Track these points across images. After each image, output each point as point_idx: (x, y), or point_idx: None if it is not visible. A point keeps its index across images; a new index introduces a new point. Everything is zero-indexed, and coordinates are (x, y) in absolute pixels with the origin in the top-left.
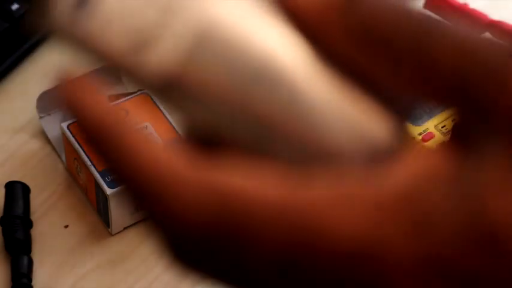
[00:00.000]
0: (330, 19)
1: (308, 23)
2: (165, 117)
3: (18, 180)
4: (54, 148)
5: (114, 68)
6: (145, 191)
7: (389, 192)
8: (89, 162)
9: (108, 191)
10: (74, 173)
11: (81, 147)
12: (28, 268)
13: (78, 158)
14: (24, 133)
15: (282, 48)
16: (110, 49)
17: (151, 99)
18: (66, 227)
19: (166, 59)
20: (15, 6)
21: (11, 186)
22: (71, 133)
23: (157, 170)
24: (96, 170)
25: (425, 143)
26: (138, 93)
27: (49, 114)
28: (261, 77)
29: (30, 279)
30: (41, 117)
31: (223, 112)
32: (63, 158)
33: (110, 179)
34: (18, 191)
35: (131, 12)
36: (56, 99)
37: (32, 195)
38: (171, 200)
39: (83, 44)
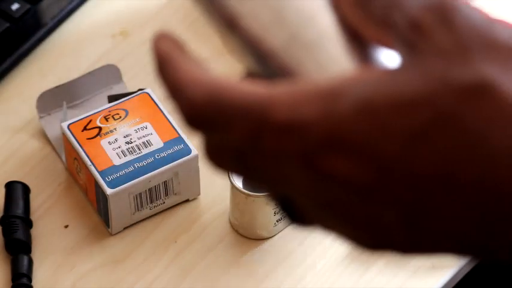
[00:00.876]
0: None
1: None
2: (165, 116)
3: (18, 180)
4: (54, 148)
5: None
6: (174, 86)
7: (320, 87)
8: (89, 162)
9: (108, 191)
10: (74, 173)
11: (81, 147)
12: (28, 268)
13: (78, 158)
14: (24, 133)
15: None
16: None
17: (151, 98)
18: (66, 227)
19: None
20: (15, 6)
21: (11, 186)
22: (71, 133)
23: (184, 72)
24: (96, 170)
25: None
26: (139, 93)
27: (49, 114)
28: (297, 35)
29: (30, 279)
30: (41, 117)
31: (258, 58)
32: (63, 158)
33: (110, 179)
34: (18, 191)
35: None
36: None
37: (32, 195)
38: (187, 89)
39: None
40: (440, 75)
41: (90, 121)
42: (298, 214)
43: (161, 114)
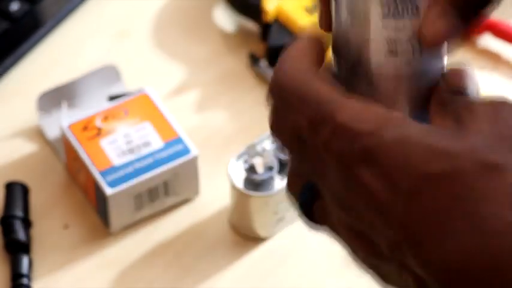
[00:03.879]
0: None
1: None
2: (165, 117)
3: (18, 181)
4: (54, 148)
5: None
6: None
7: (380, 112)
8: (89, 163)
9: (108, 191)
10: (73, 173)
11: (81, 147)
12: (28, 268)
13: (78, 158)
14: (23, 133)
15: None
16: None
17: (151, 99)
18: (66, 227)
19: None
20: (15, 6)
21: (10, 187)
22: (71, 133)
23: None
24: (96, 170)
25: None
26: (138, 93)
27: (49, 114)
28: None
29: (30, 279)
30: (40, 118)
31: None
32: (63, 158)
33: (110, 179)
34: (18, 191)
35: None
36: None
37: (32, 195)
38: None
39: None
40: (475, 149)
41: (90, 121)
42: (314, 210)
43: (161, 114)
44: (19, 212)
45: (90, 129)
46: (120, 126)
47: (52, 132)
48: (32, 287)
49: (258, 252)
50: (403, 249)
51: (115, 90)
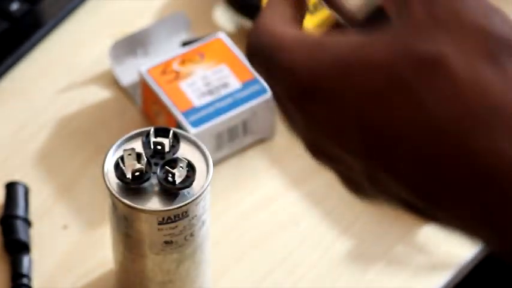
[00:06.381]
0: None
1: None
2: (239, 59)
3: (18, 180)
4: (54, 147)
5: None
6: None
7: (311, 37)
8: (170, 104)
9: (192, 131)
10: (151, 116)
11: (161, 90)
12: (28, 268)
13: (157, 101)
14: (22, 132)
15: None
16: None
17: (225, 43)
18: (66, 227)
19: None
20: (15, 6)
21: (11, 186)
22: (150, 77)
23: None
24: (178, 111)
25: None
26: (212, 37)
27: (122, 62)
28: None
29: (30, 279)
30: (114, 65)
31: None
32: (139, 103)
33: (192, 120)
34: (18, 191)
35: None
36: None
37: (32, 195)
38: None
39: None
40: (404, 45)
41: (168, 65)
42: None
43: (236, 57)
44: (19, 212)
45: (169, 73)
46: (198, 69)
47: (126, 79)
48: (32, 287)
49: (258, 252)
50: (377, 175)
51: (185, 36)
